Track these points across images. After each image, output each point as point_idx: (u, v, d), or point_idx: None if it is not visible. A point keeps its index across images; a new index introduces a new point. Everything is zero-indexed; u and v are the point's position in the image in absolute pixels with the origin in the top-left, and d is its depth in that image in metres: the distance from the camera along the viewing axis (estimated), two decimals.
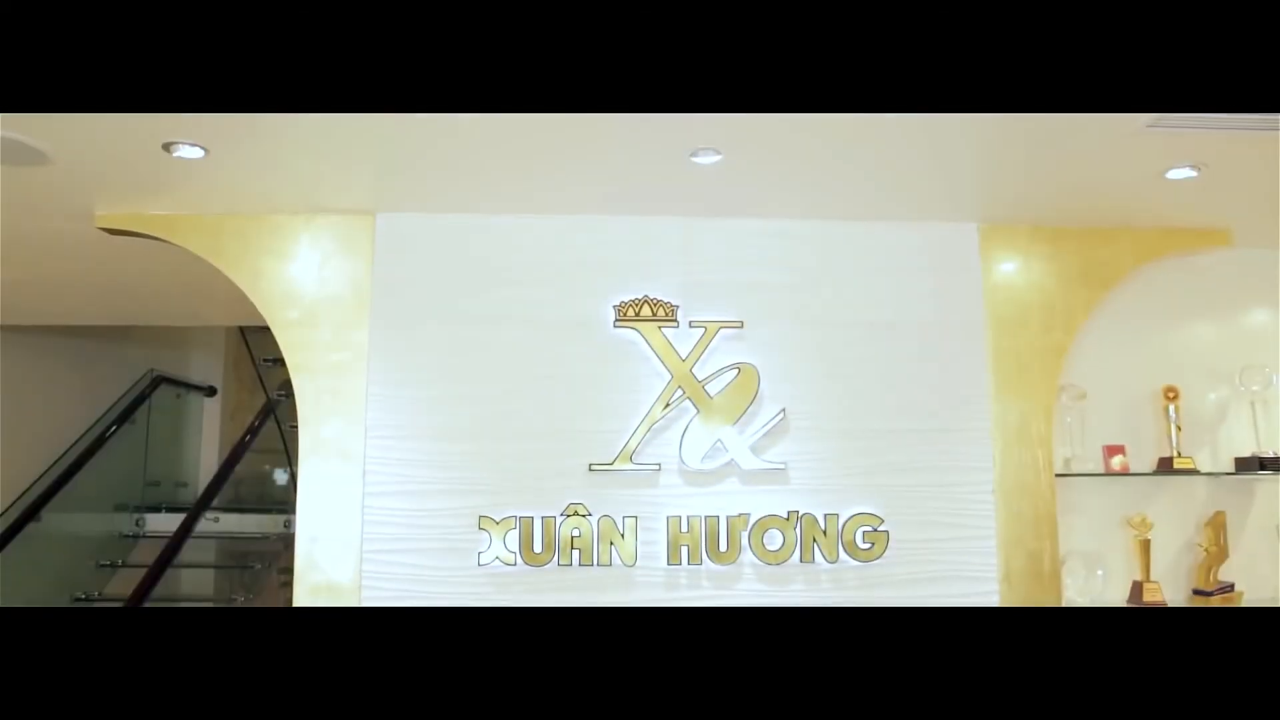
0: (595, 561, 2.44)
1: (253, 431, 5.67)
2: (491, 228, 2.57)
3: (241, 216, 2.55)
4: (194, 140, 2.08)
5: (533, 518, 2.44)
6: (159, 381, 5.90)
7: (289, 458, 5.74)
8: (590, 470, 2.47)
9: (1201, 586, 2.77)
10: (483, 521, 2.43)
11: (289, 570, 6.04)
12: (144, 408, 5.79)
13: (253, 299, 2.55)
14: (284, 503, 5.98)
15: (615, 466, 2.47)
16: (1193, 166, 2.26)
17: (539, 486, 2.46)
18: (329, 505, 2.44)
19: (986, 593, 2.54)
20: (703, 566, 2.48)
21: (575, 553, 2.43)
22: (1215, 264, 2.90)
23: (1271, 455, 2.79)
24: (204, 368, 6.41)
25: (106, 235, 2.68)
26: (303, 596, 2.41)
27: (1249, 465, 2.80)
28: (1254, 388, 2.85)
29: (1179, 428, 2.80)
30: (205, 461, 6.36)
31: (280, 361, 6.05)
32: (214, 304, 4.06)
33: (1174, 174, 2.30)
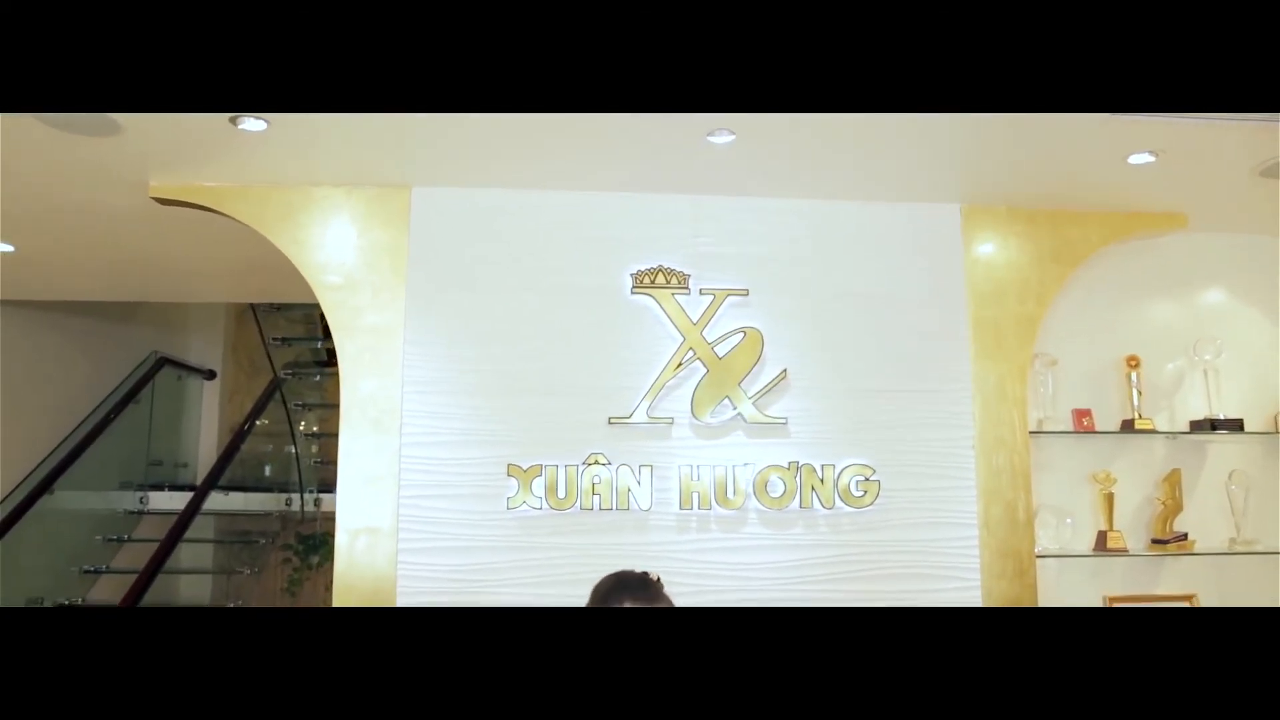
0: (615, 506, 2.67)
1: (258, 410, 5.82)
2: (519, 201, 2.79)
3: (286, 188, 2.76)
4: (259, 114, 2.29)
5: (557, 466, 2.67)
6: (162, 363, 6.03)
7: (293, 436, 5.91)
8: (609, 423, 2.71)
9: (1159, 536, 3.05)
10: (511, 469, 2.66)
11: (289, 547, 6.23)
12: (148, 389, 5.92)
13: (296, 265, 2.75)
14: (285, 482, 6.15)
15: (632, 420, 2.71)
16: (1151, 152, 2.53)
17: (562, 438, 2.69)
18: (369, 455, 2.65)
19: (968, 538, 2.79)
20: (711, 512, 2.71)
21: (596, 498, 2.66)
22: (1173, 245, 3.18)
23: (1222, 418, 3.08)
24: (203, 351, 6.54)
25: (155, 207, 2.88)
26: (344, 539, 2.62)
27: (1202, 427, 3.08)
28: (1206, 357, 3.13)
29: (1140, 393, 3.07)
30: (205, 442, 6.50)
31: (288, 341, 6.26)
32: (237, 279, 4.24)
33: (1135, 159, 2.57)
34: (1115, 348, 3.14)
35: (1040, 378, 3.06)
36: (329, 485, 5.95)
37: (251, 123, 2.34)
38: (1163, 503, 3.06)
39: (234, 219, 2.75)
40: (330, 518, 5.95)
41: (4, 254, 3.55)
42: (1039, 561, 2.89)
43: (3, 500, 4.74)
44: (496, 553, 2.64)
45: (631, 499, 2.67)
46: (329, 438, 6.28)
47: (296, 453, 5.94)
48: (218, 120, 2.33)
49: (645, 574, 1.63)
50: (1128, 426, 3.05)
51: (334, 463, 6.14)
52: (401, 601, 2.60)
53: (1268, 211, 2.96)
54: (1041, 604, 2.85)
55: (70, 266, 3.83)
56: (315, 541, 6.04)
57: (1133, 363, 3.09)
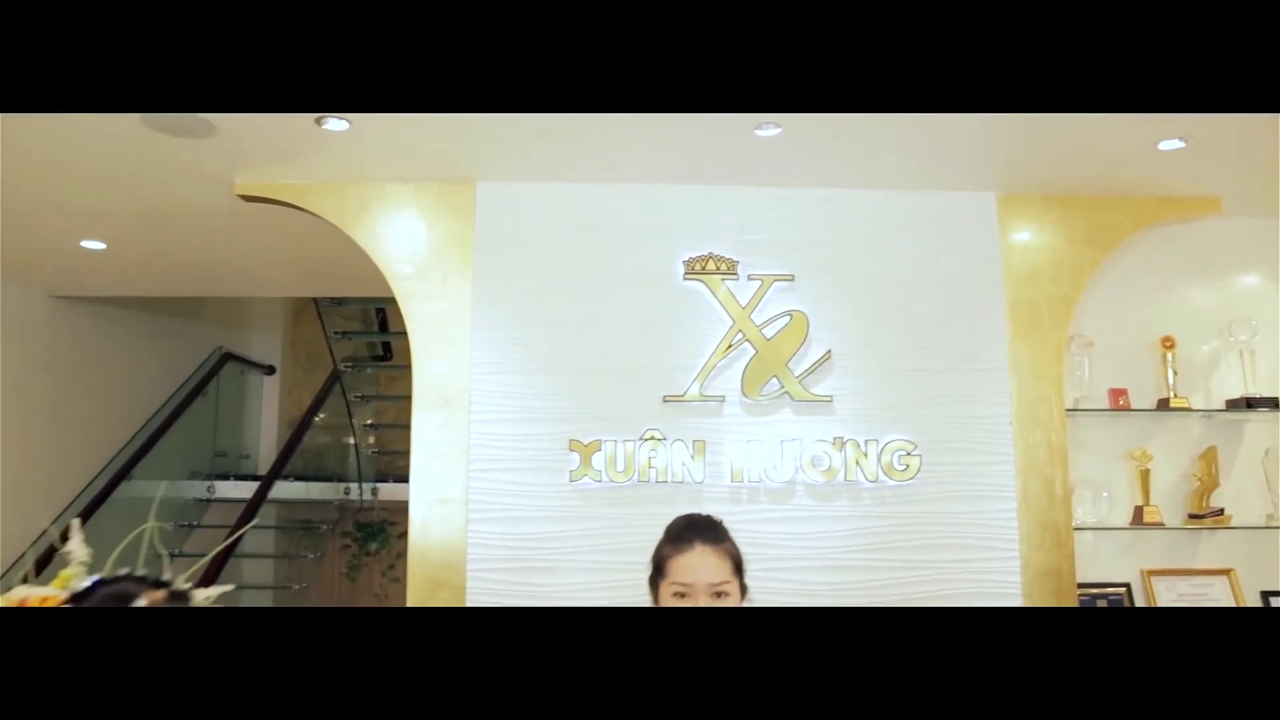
0: (670, 479, 2.83)
1: (319, 402, 6.07)
2: (577, 194, 2.97)
3: (361, 185, 2.96)
4: (343, 115, 2.50)
5: (615, 441, 2.84)
6: (226, 359, 6.32)
7: (352, 427, 6.15)
8: (664, 401, 2.87)
9: (1195, 511, 3.15)
10: (572, 445, 2.84)
11: (348, 534, 6.48)
12: (213, 383, 6.21)
13: (371, 256, 2.96)
14: (343, 472, 6.40)
15: (685, 398, 2.87)
16: (1181, 138, 2.64)
17: (620, 415, 2.86)
18: (440, 432, 2.85)
19: (1006, 511, 2.91)
20: (761, 485, 2.87)
21: (652, 471, 2.83)
22: (1207, 229, 3.27)
23: (1258, 396, 3.16)
24: (263, 347, 6.82)
25: (233, 204, 3.11)
26: (419, 509, 2.81)
27: (1238, 405, 3.18)
28: (1241, 338, 3.22)
29: (1175, 372, 3.17)
30: (265, 435, 6.79)
31: (348, 335, 6.51)
32: (302, 274, 4.48)
33: (1164, 145, 2.68)
34: (1151, 330, 3.24)
35: (1076, 359, 3.17)
36: (385, 475, 6.21)
37: (335, 123, 2.54)
38: (1199, 479, 3.16)
39: (314, 214, 2.96)
40: (386, 506, 6.22)
41: (97, 251, 3.81)
42: (1076, 534, 3.00)
43: (87, 486, 5.03)
44: (559, 523, 2.82)
45: (685, 472, 2.84)
46: (385, 428, 6.53)
47: (355, 443, 6.18)
48: (304, 121, 2.53)
49: (711, 517, 1.79)
50: (1163, 405, 3.15)
51: (390, 452, 6.40)
52: (471, 568, 2.78)
53: None
54: (1080, 575, 2.96)
55: (154, 263, 4.08)
56: (373, 529, 6.28)
57: (1168, 343, 3.19)
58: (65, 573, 1.07)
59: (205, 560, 1.37)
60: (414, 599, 2.79)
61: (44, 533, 4.48)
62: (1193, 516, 3.15)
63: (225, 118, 2.53)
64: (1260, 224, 3.28)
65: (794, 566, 2.82)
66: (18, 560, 4.32)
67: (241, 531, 1.96)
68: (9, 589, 1.10)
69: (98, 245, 3.77)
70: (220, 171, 2.92)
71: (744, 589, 1.71)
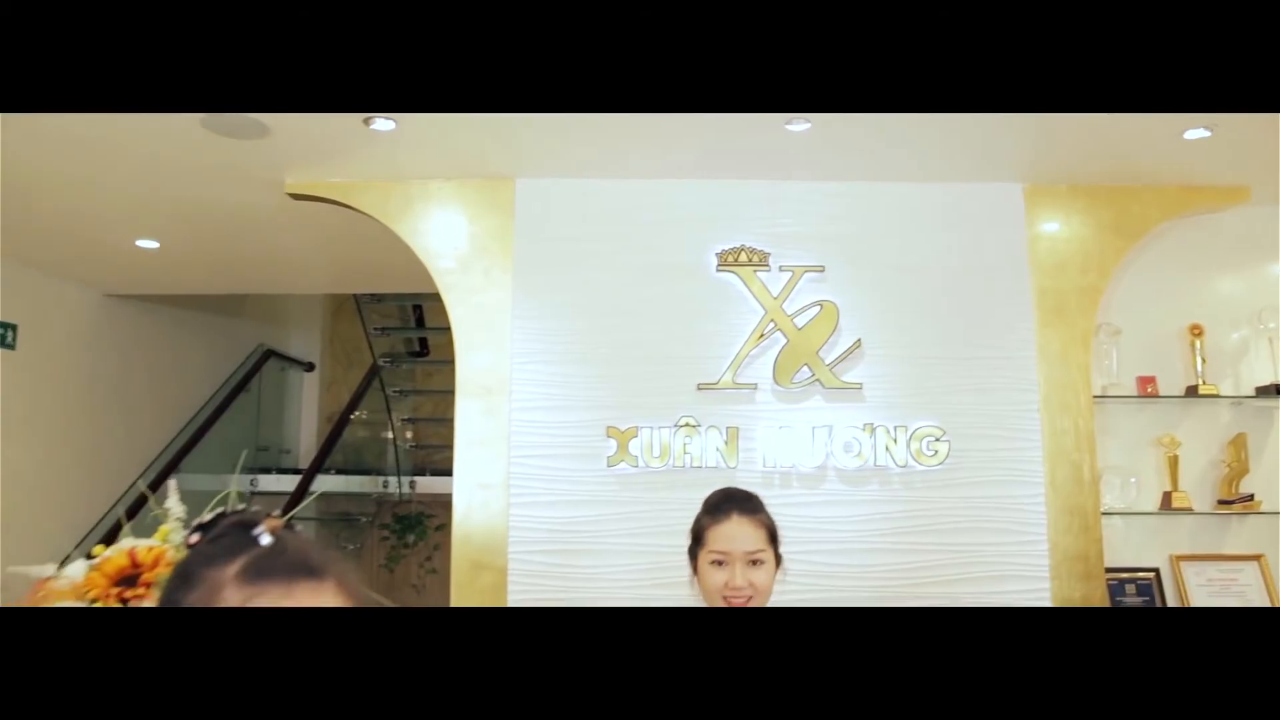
0: (704, 464, 2.92)
1: (359, 396, 6.22)
2: (613, 189, 3.06)
3: (405, 182, 3.08)
4: (390, 115, 2.61)
5: (651, 428, 2.94)
6: (268, 355, 6.49)
7: (390, 422, 6.30)
8: (698, 389, 2.96)
9: (1224, 497, 3.18)
10: (610, 431, 2.93)
11: (386, 526, 6.62)
12: (255, 379, 6.38)
13: (414, 250, 3.07)
14: (381, 466, 6.55)
15: (719, 386, 2.96)
16: (1206, 128, 2.69)
17: (656, 402, 2.95)
18: (482, 419, 2.95)
19: (1034, 496, 2.97)
20: (793, 470, 2.95)
21: (687, 457, 2.92)
22: (1236, 218, 3.29)
23: None
24: (303, 345, 6.99)
25: (280, 203, 3.24)
26: (462, 493, 2.92)
27: (1268, 392, 3.21)
28: (1271, 325, 3.24)
29: (1203, 360, 3.21)
30: (305, 429, 6.96)
31: (387, 331, 6.65)
32: (343, 270, 4.61)
33: (1190, 134, 2.72)
34: (1179, 318, 3.27)
35: (1105, 347, 3.22)
36: (422, 468, 6.34)
37: (382, 123, 2.66)
38: (1228, 465, 3.19)
39: (361, 211, 3.08)
40: (423, 499, 6.35)
41: (150, 250, 3.97)
42: (1105, 519, 3.05)
43: (138, 477, 5.20)
44: (597, 506, 2.92)
45: (719, 458, 2.92)
46: (422, 422, 6.67)
47: (394, 438, 6.33)
48: (353, 121, 2.65)
49: (748, 490, 1.87)
50: (1191, 392, 3.19)
51: (427, 446, 6.52)
52: (512, 550, 2.89)
53: None
54: (1108, 560, 3.01)
55: (204, 261, 4.23)
56: (410, 521, 6.42)
57: (1196, 331, 3.23)
58: (164, 528, 1.18)
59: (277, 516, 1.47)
60: (457, 580, 2.90)
61: (107, 512, 4.68)
62: (1222, 502, 3.18)
63: (278, 120, 2.66)
64: None
65: (825, 550, 2.90)
66: (84, 538, 4.50)
67: (300, 506, 2.06)
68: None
69: (151, 244, 3.92)
70: (271, 171, 3.05)
71: (779, 559, 1.80)
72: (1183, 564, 3.18)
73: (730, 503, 1.80)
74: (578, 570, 2.89)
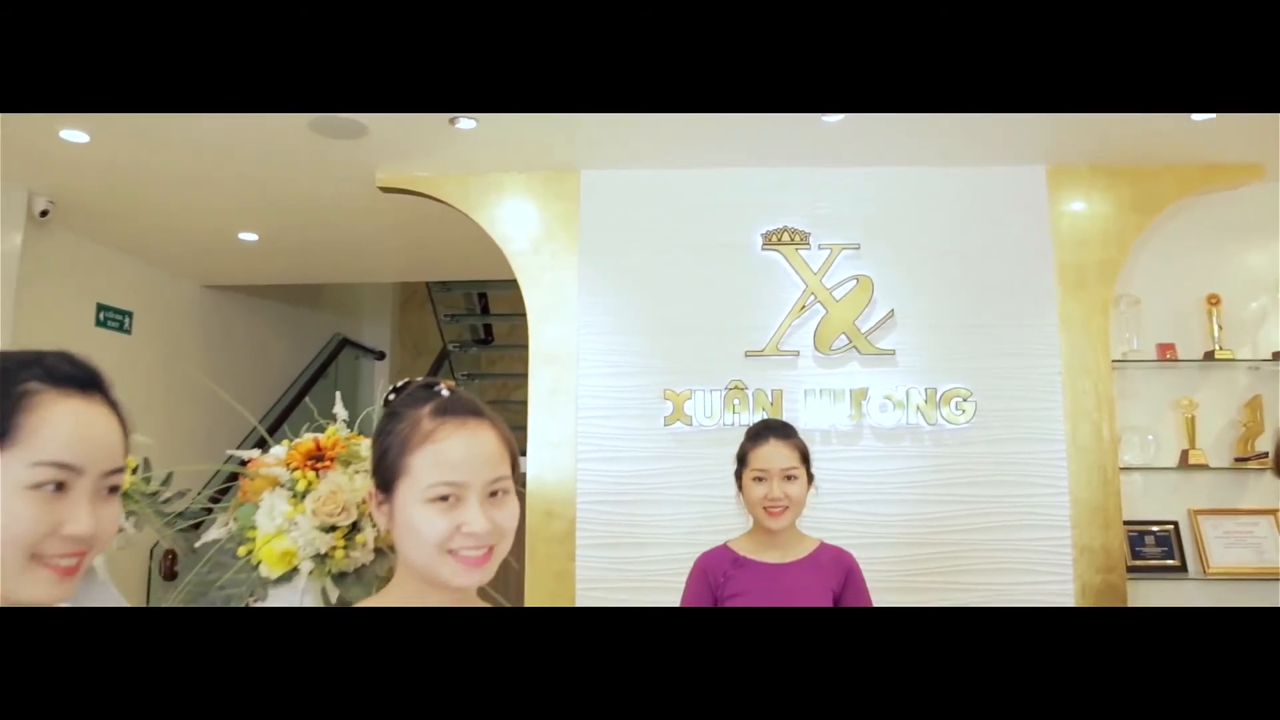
0: (751, 424, 3.23)
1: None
2: (668, 178, 3.40)
3: (483, 175, 3.45)
4: (473, 114, 2.98)
5: (703, 391, 3.27)
6: (343, 344, 6.95)
7: None
8: (746, 356, 3.29)
9: (1241, 454, 3.40)
10: (666, 394, 3.27)
11: None
12: (332, 366, 6.83)
13: (491, 236, 3.44)
14: None
15: (764, 353, 3.28)
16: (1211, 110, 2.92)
17: (708, 368, 3.28)
18: (552, 385, 3.31)
19: (1056, 453, 3.23)
20: (832, 429, 3.26)
21: (735, 417, 3.24)
22: (1254, 193, 3.49)
23: None
24: (374, 335, 7.43)
25: (367, 196, 3.63)
26: (535, 451, 3.28)
27: None
28: None
29: (1220, 327, 3.43)
30: (378, 415, 7.40)
31: (456, 317, 7.06)
32: (415, 259, 5.01)
33: (1198, 116, 2.97)
34: (1198, 288, 3.49)
35: (1126, 316, 3.46)
36: None
37: (465, 122, 3.03)
38: (1245, 425, 3.42)
39: (444, 202, 3.46)
40: None
41: (250, 243, 4.41)
42: (1126, 475, 3.30)
43: (225, 461, 5.66)
44: (655, 462, 3.26)
45: (765, 417, 3.24)
46: (489, 404, 7.08)
47: None
48: (440, 121, 3.02)
49: (784, 420, 2.19)
50: (1209, 357, 3.42)
51: None
52: (580, 501, 3.24)
53: None
54: (1129, 514, 3.26)
55: (296, 253, 4.67)
56: None
57: (1213, 300, 3.45)
58: (332, 428, 1.54)
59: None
60: (531, 528, 3.26)
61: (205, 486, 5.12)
62: (1238, 460, 3.40)
63: (375, 121, 3.04)
64: None
65: (862, 501, 3.20)
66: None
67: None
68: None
69: (251, 237, 4.36)
70: (364, 168, 3.44)
71: (811, 477, 2.11)
72: (1200, 517, 3.41)
73: (768, 429, 2.12)
74: (637, 518, 3.23)
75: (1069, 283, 3.32)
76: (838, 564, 2.06)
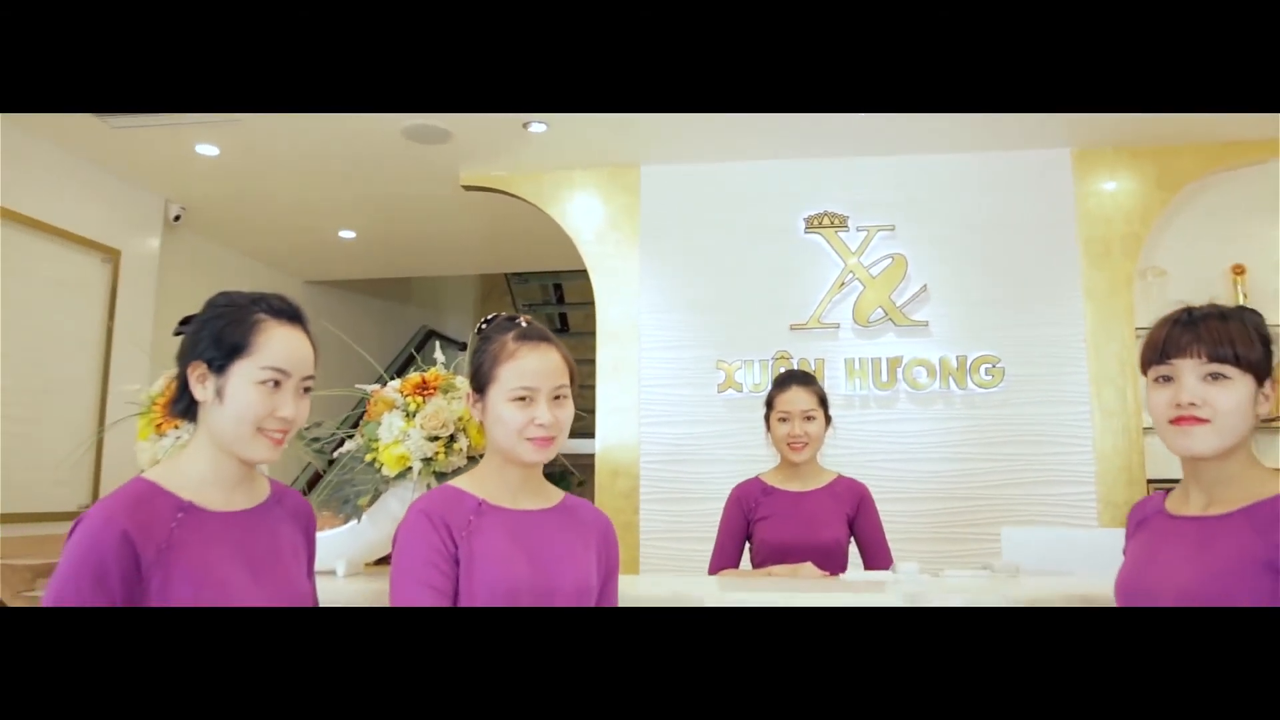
0: None
1: None
2: (720, 170, 3.77)
3: (554, 172, 3.88)
4: (543, 119, 3.40)
5: (753, 360, 3.63)
6: (430, 336, 7.47)
7: None
8: (791, 329, 3.63)
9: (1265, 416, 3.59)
10: (719, 364, 3.64)
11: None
12: (420, 356, 7.35)
13: (563, 228, 3.86)
14: None
15: (808, 325, 3.62)
16: None
17: (757, 339, 3.64)
18: (617, 357, 3.72)
19: (1082, 412, 3.49)
20: (870, 393, 3.58)
21: None
22: (1275, 168, 3.68)
23: None
24: (457, 326, 7.95)
25: (450, 195, 4.08)
26: (603, 416, 3.69)
27: None
28: None
29: (1245, 295, 3.63)
30: None
31: (533, 306, 7.51)
32: (497, 252, 5.47)
33: None
34: (1223, 260, 3.70)
35: (1152, 287, 3.69)
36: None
37: (536, 126, 3.45)
38: (1267, 397, 3.60)
39: (521, 199, 3.89)
40: (568, 459, 7.18)
41: (349, 240, 4.93)
42: (1150, 436, 3.53)
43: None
44: (709, 425, 3.63)
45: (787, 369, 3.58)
46: None
47: None
48: (515, 125, 3.45)
49: (805, 370, 2.53)
50: None
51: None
52: (643, 460, 3.63)
53: None
54: (1152, 472, 3.50)
55: (389, 249, 5.18)
56: (555, 479, 7.25)
57: (1238, 270, 3.65)
58: (434, 369, 1.95)
59: None
60: (600, 484, 3.66)
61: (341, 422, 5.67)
62: (1263, 422, 3.59)
63: (458, 127, 3.48)
64: None
65: (899, 459, 3.52)
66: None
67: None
68: None
69: (350, 234, 4.88)
70: (448, 170, 3.90)
71: (829, 419, 2.43)
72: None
73: (790, 377, 2.45)
74: (693, 475, 3.61)
75: (1094, 256, 3.57)
76: (852, 492, 2.39)
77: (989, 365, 3.53)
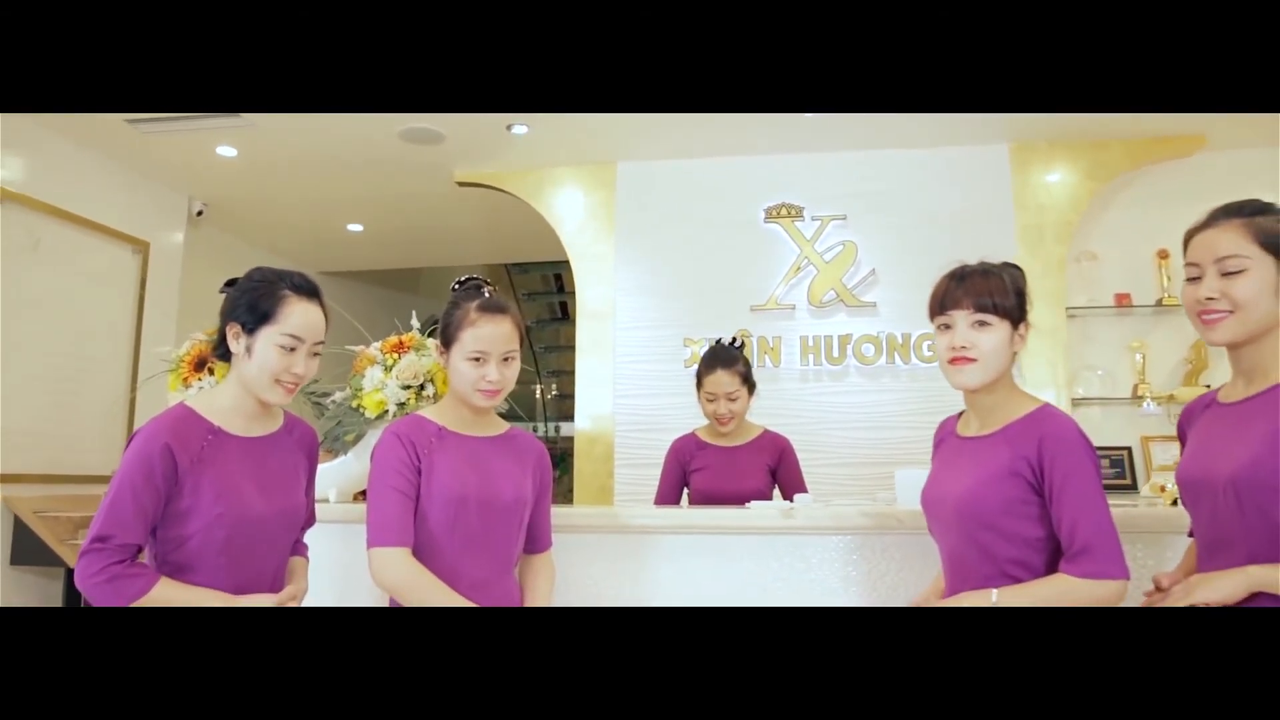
0: (755, 364, 3.94)
1: None
2: (687, 166, 4.14)
3: (538, 169, 4.26)
4: (525, 122, 3.78)
5: (717, 338, 3.98)
6: (437, 324, 7.86)
7: (538, 374, 7.58)
8: (751, 310, 4.00)
9: (1186, 385, 3.93)
10: (686, 340, 4.02)
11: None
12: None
13: (546, 218, 4.24)
14: (531, 415, 7.82)
15: (767, 306, 3.99)
16: None
17: (720, 319, 4.00)
18: (594, 335, 4.09)
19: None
20: (823, 368, 3.94)
21: None
22: (1199, 161, 4.00)
23: None
24: None
25: (455, 190, 4.47)
26: (582, 390, 4.07)
27: None
28: None
29: (1169, 278, 3.96)
30: None
31: (533, 295, 7.92)
32: (493, 243, 5.86)
33: None
34: (1150, 245, 4.02)
35: (1085, 269, 4.02)
36: (567, 415, 7.59)
37: (518, 128, 3.83)
38: (1189, 362, 3.94)
39: (510, 194, 4.28)
40: (569, 441, 7.57)
41: (357, 233, 5.34)
42: (1084, 407, 3.88)
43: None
44: (677, 396, 3.99)
45: (767, 359, 3.94)
46: (565, 375, 7.92)
47: (540, 388, 7.60)
48: (499, 127, 3.83)
49: (730, 347, 2.82)
50: (1159, 304, 3.95)
51: (570, 396, 7.74)
52: (617, 427, 4.01)
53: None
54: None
55: (394, 240, 5.58)
56: (555, 461, 7.64)
57: (1163, 255, 3.98)
58: (410, 333, 2.35)
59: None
60: (579, 450, 4.05)
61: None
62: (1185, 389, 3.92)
63: (449, 129, 3.86)
64: (1241, 154, 3.98)
65: (850, 428, 3.88)
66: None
67: None
68: None
69: (358, 228, 5.28)
70: (443, 169, 4.29)
71: (751, 389, 2.73)
72: (1150, 444, 3.95)
73: (715, 359, 2.70)
74: (662, 441, 3.95)
75: (1029, 242, 3.91)
76: (774, 446, 2.74)
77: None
